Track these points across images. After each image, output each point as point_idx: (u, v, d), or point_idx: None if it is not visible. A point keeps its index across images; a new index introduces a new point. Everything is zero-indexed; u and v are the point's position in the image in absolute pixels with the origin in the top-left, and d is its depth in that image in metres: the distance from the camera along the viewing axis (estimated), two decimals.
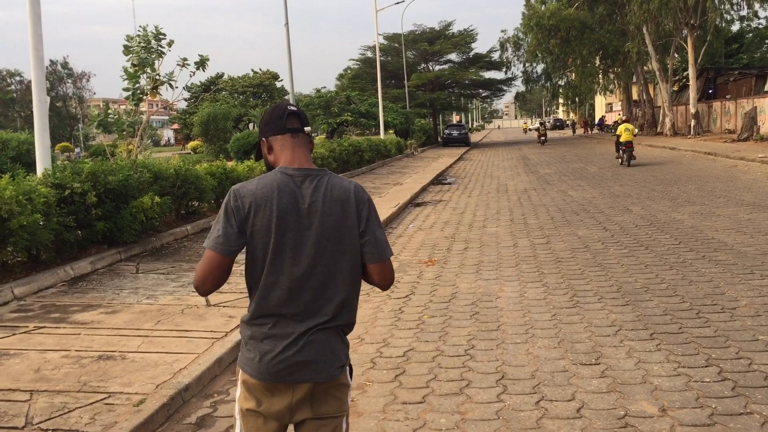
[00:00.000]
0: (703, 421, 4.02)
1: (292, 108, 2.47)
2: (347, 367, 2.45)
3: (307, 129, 2.50)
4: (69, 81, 76.61)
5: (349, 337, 2.48)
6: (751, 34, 56.12)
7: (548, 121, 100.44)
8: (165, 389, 4.61)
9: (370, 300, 7.28)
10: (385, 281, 2.48)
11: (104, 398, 4.49)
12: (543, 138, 49.35)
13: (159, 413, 4.32)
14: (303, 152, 2.45)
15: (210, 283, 2.35)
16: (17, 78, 74.34)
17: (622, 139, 23.73)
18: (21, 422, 4.15)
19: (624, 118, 28.64)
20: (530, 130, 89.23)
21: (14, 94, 73.54)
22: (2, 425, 4.11)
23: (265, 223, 2.30)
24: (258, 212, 2.30)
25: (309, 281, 2.33)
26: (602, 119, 70.39)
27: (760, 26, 54.22)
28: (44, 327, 6.16)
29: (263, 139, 2.48)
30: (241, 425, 2.42)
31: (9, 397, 4.54)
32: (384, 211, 13.96)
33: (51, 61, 72.20)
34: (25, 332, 6.00)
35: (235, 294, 7.29)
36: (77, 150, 49.66)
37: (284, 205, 2.31)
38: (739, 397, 4.32)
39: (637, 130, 31.55)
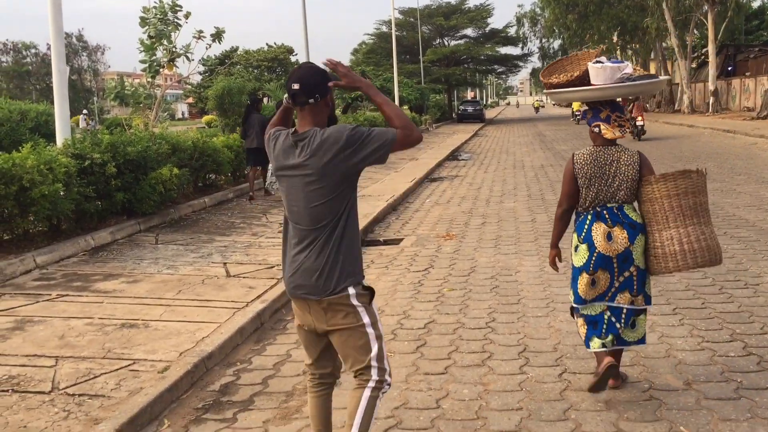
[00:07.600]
0: (728, 395, 3.99)
1: None
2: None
3: None
4: (84, 54, 76.45)
5: None
6: None
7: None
8: (188, 357, 4.64)
9: (389, 273, 7.28)
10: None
11: (129, 365, 4.53)
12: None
13: (183, 380, 4.35)
14: None
15: None
16: (32, 50, 74.35)
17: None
18: (47, 387, 4.19)
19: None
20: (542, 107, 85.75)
21: (29, 67, 73.55)
22: (29, 389, 4.16)
23: None
24: None
25: None
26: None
27: None
28: (67, 295, 6.21)
29: None
30: None
31: (35, 362, 4.59)
32: (401, 186, 13.94)
33: (66, 33, 71.87)
34: (48, 300, 6.05)
35: (254, 265, 7.32)
36: (92, 122, 49.71)
37: None
38: (764, 371, 4.28)
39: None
